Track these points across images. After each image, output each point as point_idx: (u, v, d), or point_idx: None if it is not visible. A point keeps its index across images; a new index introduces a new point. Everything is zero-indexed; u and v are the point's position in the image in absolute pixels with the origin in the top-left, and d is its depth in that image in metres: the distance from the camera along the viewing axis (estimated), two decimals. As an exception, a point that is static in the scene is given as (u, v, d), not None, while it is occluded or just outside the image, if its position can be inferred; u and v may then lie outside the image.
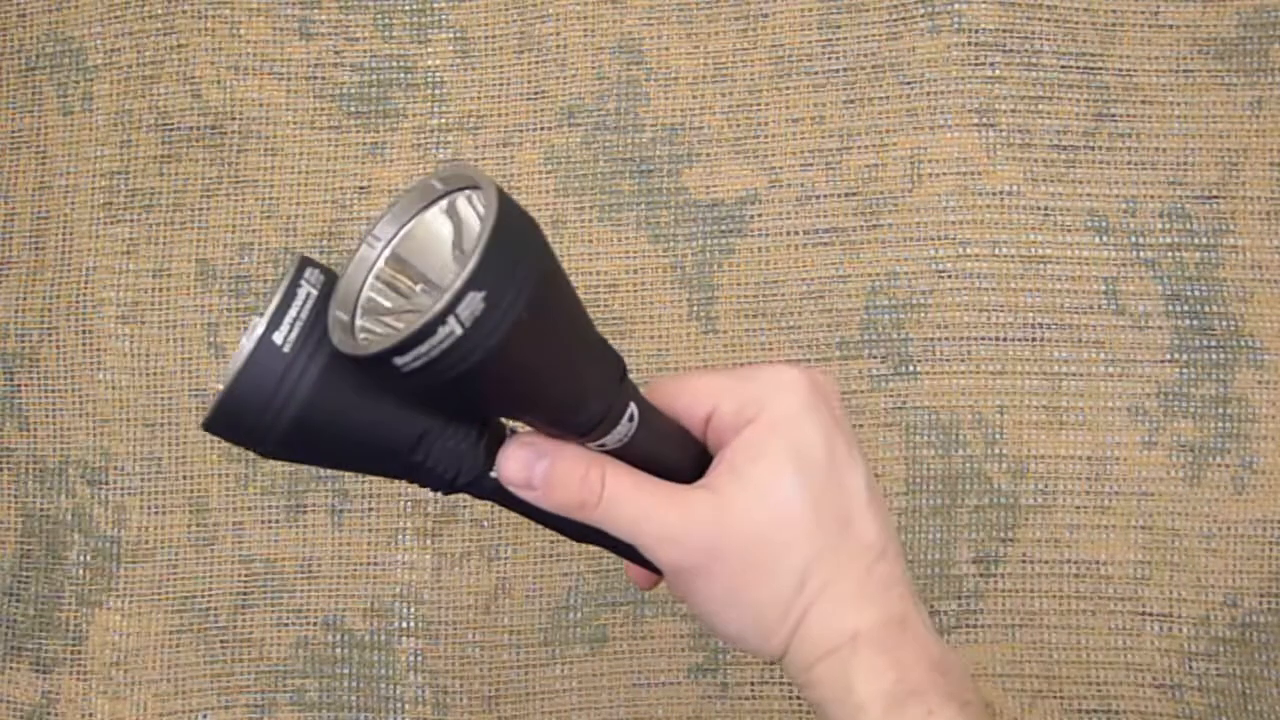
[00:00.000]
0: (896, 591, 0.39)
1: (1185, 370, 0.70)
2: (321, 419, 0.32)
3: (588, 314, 0.35)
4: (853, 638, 0.38)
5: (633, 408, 0.36)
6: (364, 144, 0.75)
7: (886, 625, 0.38)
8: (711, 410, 0.40)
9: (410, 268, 0.34)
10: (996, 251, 0.71)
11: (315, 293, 0.32)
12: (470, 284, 0.29)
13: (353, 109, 0.75)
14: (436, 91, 0.75)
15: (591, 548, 0.41)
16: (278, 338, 0.31)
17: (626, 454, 0.37)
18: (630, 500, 0.37)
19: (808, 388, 0.39)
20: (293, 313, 0.32)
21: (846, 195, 0.72)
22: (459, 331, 0.29)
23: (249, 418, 0.31)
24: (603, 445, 0.36)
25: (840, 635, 0.38)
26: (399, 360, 0.29)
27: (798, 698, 0.68)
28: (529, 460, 0.36)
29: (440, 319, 0.29)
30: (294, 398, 0.31)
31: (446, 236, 0.34)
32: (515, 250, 0.30)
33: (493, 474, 0.36)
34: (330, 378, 0.32)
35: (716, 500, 0.38)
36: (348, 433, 0.33)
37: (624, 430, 0.36)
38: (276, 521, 0.72)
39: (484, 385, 0.31)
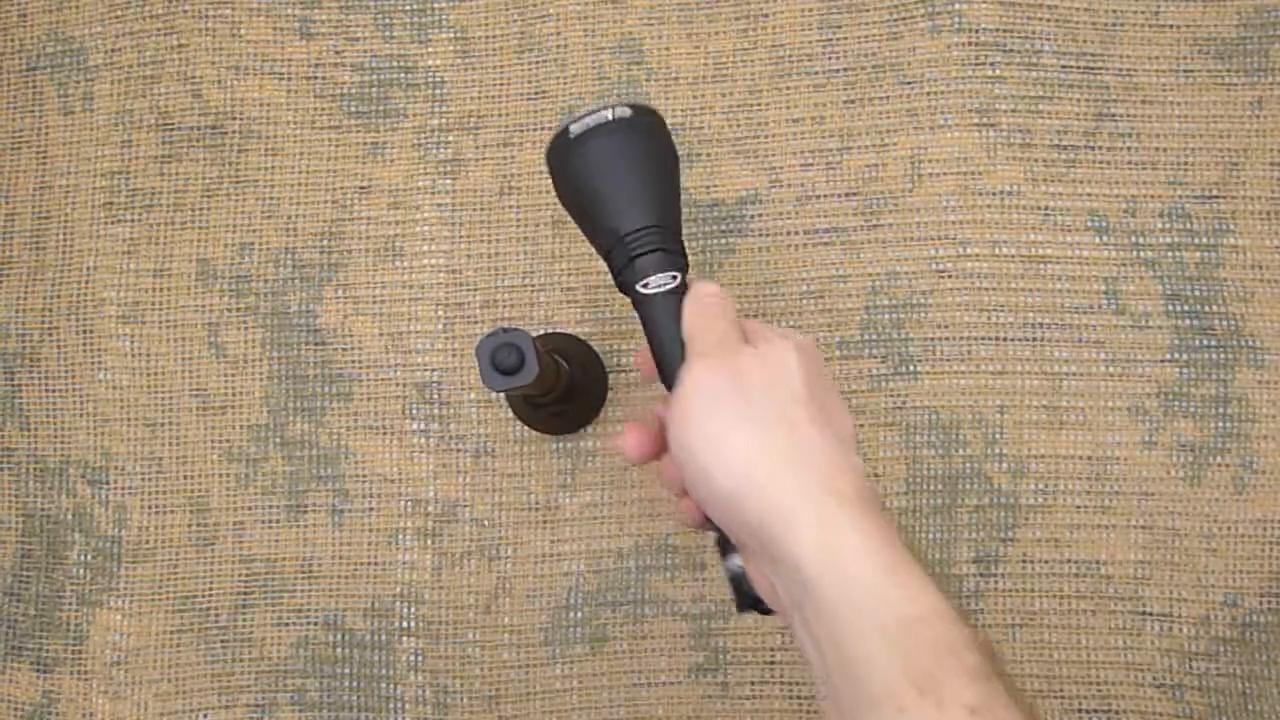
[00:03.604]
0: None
1: (1185, 370, 0.70)
2: (592, 157, 0.49)
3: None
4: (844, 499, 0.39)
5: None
6: (364, 144, 0.75)
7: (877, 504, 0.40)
8: None
9: None
10: (996, 251, 0.71)
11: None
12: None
13: (353, 109, 0.75)
14: (436, 91, 0.75)
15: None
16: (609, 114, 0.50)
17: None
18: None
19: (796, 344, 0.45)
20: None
21: (846, 195, 0.72)
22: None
23: (560, 141, 0.50)
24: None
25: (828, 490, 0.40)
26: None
27: (798, 698, 0.68)
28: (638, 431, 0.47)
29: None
30: (588, 138, 0.49)
31: None
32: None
33: (639, 287, 0.47)
34: (600, 140, 0.49)
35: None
36: (597, 179, 0.49)
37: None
38: (276, 521, 0.72)
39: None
